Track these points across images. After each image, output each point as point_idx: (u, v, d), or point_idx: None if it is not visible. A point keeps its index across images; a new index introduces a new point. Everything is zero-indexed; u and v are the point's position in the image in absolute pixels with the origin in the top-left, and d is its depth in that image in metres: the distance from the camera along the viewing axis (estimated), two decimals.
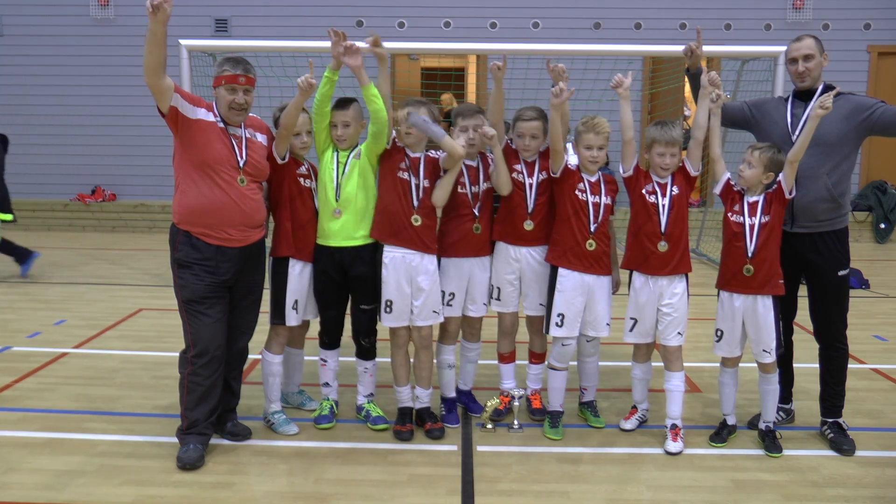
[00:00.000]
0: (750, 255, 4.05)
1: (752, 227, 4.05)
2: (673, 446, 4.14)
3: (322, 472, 3.87)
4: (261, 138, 4.11)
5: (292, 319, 4.28)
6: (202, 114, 3.90)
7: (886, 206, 11.37)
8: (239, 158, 3.94)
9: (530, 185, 4.34)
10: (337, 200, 4.18)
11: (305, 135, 4.21)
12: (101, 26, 11.87)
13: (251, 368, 5.19)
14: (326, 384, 4.52)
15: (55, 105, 11.96)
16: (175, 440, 4.03)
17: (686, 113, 10.55)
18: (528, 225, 4.32)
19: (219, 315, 3.98)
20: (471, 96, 12.76)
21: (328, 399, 4.51)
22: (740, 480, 3.85)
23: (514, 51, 9.52)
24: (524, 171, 4.35)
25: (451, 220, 4.37)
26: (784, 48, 8.23)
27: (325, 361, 4.49)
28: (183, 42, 7.98)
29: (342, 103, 4.21)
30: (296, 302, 4.27)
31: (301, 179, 4.25)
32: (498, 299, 4.47)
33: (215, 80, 3.95)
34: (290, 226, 4.22)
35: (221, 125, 3.94)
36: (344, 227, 4.20)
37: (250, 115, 4.08)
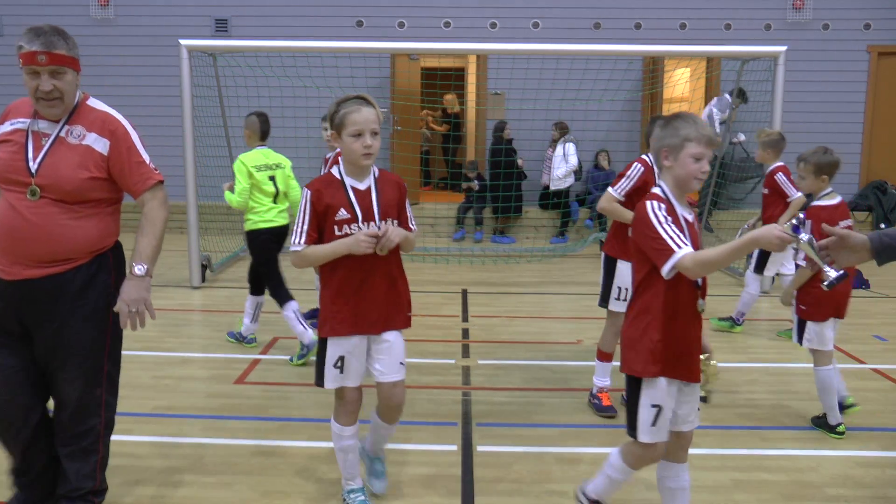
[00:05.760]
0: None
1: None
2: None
3: (322, 472, 3.88)
4: (92, 140, 2.95)
5: (331, 381, 3.28)
6: (7, 126, 2.96)
7: (886, 206, 11.37)
8: (30, 164, 2.87)
9: None
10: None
11: (370, 136, 3.13)
12: (101, 26, 11.87)
13: (251, 369, 5.18)
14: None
15: None
16: (179, 440, 4.05)
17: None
18: None
19: None
20: (471, 96, 12.76)
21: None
22: (740, 480, 3.85)
23: (514, 51, 9.56)
24: None
25: None
26: (784, 48, 8.32)
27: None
28: (183, 42, 7.99)
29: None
30: (340, 359, 3.25)
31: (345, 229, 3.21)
32: (622, 300, 4.50)
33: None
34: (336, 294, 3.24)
35: (28, 125, 2.94)
36: None
37: (98, 108, 3.02)
